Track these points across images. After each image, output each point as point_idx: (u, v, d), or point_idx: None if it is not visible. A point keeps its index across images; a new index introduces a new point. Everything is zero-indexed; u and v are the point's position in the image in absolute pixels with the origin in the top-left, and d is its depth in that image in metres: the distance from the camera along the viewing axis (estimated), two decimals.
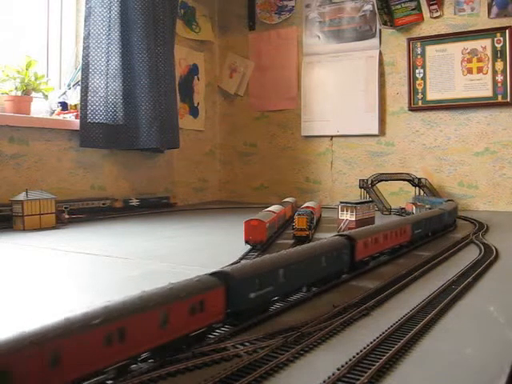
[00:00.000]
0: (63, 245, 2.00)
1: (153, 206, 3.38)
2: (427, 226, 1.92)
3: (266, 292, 0.99)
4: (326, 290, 1.24)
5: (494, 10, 3.23)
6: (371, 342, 0.84)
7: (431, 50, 3.44)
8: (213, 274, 0.90)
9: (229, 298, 0.90)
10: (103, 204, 3.00)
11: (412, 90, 3.50)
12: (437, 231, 2.08)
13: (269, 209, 2.15)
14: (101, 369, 0.68)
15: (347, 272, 1.35)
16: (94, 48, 3.04)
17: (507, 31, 3.19)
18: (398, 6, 3.49)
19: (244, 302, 0.93)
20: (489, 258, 1.59)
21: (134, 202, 3.26)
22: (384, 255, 1.59)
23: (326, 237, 1.39)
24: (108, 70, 3.11)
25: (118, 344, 0.69)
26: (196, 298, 0.82)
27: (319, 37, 3.83)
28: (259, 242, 1.75)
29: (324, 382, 0.71)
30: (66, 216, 2.65)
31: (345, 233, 1.38)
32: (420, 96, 3.49)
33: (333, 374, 0.73)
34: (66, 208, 2.71)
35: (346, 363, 0.76)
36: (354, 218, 2.11)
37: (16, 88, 2.84)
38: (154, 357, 0.77)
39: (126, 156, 3.41)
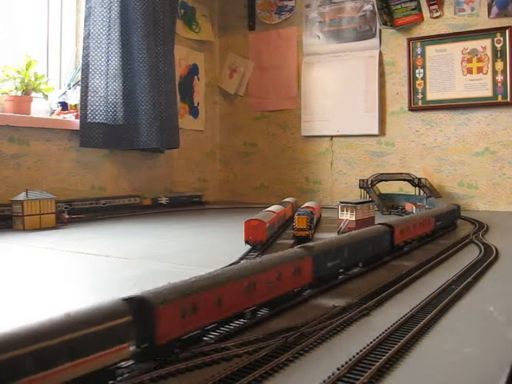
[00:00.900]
0: (63, 245, 2.00)
1: (183, 205, 3.36)
2: (445, 218, 2.19)
3: (337, 263, 1.26)
4: (374, 267, 1.49)
5: (494, 10, 3.23)
6: (371, 342, 0.84)
7: (431, 50, 3.44)
8: (301, 247, 1.15)
9: (314, 265, 1.14)
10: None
11: (412, 90, 3.50)
12: (453, 224, 2.36)
13: (269, 209, 2.14)
14: (243, 311, 0.92)
15: (387, 254, 1.60)
16: (94, 48, 3.04)
17: (507, 31, 3.19)
18: (398, 6, 3.49)
19: (324, 269, 1.20)
20: (489, 257, 1.59)
21: (163, 200, 3.24)
22: (414, 242, 1.83)
23: (326, 237, 1.40)
24: (108, 69, 3.11)
25: (252, 294, 0.93)
26: (296, 264, 1.08)
27: (319, 37, 3.83)
28: (259, 242, 1.75)
29: (324, 381, 0.71)
30: (66, 216, 2.65)
31: (385, 222, 1.63)
32: (420, 96, 3.48)
33: (333, 374, 0.73)
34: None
35: (346, 363, 0.76)
36: (353, 218, 2.11)
37: (16, 88, 2.84)
38: (269, 306, 1.02)
39: (126, 156, 3.41)
